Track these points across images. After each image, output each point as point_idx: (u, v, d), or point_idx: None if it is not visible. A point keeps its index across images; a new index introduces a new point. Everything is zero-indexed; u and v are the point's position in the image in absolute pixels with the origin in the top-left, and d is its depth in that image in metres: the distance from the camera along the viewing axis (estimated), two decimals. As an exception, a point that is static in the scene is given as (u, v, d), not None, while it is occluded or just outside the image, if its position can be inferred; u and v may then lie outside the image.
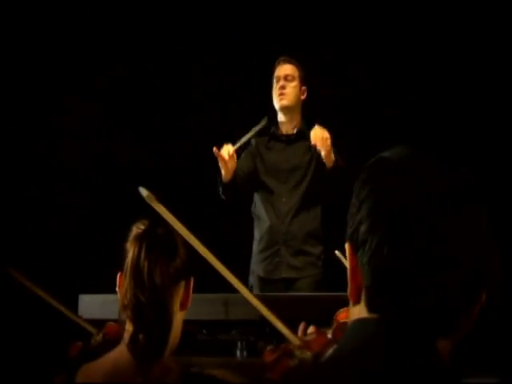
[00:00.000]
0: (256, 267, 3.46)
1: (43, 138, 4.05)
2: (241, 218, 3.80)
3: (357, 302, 0.88)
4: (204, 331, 2.75)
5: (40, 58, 3.87)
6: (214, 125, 4.28)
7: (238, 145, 3.30)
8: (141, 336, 1.42)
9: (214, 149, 3.21)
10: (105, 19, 3.93)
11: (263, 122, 3.39)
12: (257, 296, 1.65)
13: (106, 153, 4.28)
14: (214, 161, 3.27)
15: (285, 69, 3.48)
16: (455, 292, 0.82)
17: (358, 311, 0.87)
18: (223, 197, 3.41)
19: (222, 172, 3.29)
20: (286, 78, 3.45)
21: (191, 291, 1.54)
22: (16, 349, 3.36)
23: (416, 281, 0.82)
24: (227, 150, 3.24)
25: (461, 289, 0.82)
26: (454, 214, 0.83)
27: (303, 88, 3.50)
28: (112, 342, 1.48)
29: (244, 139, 3.33)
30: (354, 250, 0.87)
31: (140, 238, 1.48)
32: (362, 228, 0.85)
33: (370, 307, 0.85)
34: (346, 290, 0.90)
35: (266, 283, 3.41)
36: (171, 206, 1.43)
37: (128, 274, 1.45)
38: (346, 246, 0.89)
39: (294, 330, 1.73)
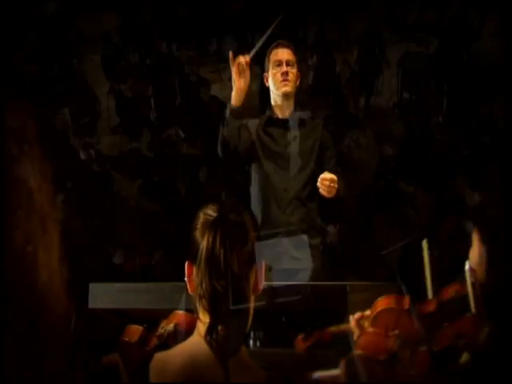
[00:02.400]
0: None
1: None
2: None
3: None
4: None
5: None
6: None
7: (254, 50, 3.18)
8: (219, 327, 1.35)
9: (230, 55, 3.13)
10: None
11: (278, 19, 3.27)
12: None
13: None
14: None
15: (285, 53, 3.37)
16: None
17: None
18: (226, 132, 3.16)
19: (234, 89, 3.18)
20: (287, 63, 3.34)
21: (263, 274, 1.47)
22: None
23: None
24: (244, 59, 3.15)
25: None
26: None
27: (298, 73, 3.42)
28: (183, 332, 1.42)
29: (258, 45, 3.22)
30: None
31: (213, 226, 1.40)
32: None
33: None
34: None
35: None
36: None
37: (202, 263, 1.38)
38: None
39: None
